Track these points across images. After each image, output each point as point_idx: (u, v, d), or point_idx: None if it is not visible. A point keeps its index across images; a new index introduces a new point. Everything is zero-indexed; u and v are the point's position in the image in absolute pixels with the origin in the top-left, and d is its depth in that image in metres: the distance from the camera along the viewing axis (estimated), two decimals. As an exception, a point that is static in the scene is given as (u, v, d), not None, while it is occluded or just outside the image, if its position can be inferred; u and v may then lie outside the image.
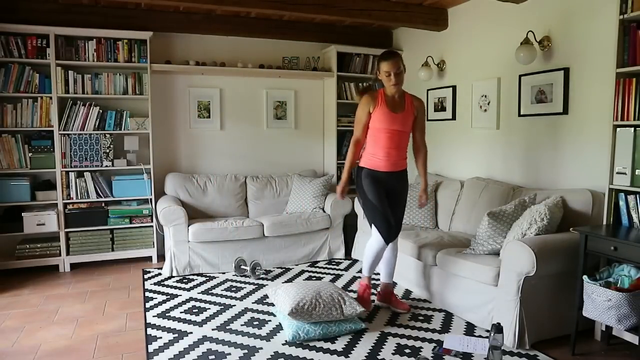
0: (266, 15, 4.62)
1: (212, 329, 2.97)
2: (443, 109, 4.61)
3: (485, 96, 4.04)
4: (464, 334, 2.90)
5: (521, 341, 2.67)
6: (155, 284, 3.83)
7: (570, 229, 2.77)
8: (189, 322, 3.08)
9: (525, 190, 3.49)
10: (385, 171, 3.07)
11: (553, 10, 3.40)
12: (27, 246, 4.09)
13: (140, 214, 4.40)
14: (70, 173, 4.19)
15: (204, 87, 4.84)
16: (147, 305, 3.37)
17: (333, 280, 3.92)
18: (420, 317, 3.15)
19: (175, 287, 3.75)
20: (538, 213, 2.87)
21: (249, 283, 3.87)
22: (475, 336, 2.86)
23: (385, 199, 3.07)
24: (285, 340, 2.80)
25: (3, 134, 4.05)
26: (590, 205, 2.96)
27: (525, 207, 3.11)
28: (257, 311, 3.27)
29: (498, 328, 2.43)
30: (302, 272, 4.20)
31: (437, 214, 4.20)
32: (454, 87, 4.46)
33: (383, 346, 2.74)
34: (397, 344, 2.77)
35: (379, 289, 3.39)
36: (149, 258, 4.50)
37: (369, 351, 2.68)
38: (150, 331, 2.94)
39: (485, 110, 4.05)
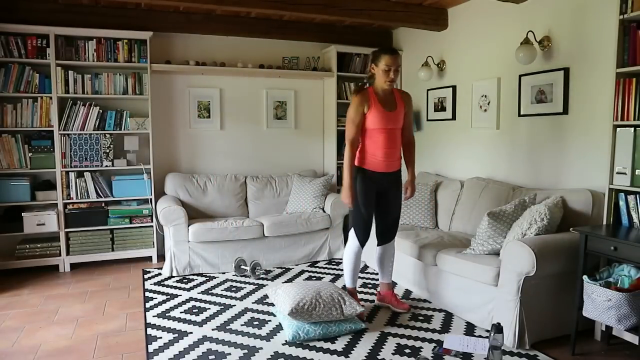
0: (266, 15, 4.63)
1: (212, 329, 2.97)
2: (443, 109, 4.61)
3: (485, 96, 4.04)
4: (464, 334, 2.90)
5: (521, 341, 2.67)
6: (155, 284, 3.83)
7: (570, 229, 2.77)
8: (189, 322, 3.08)
9: (525, 190, 3.49)
10: (382, 172, 3.04)
11: (553, 10, 3.40)
12: (27, 246, 4.09)
13: (140, 214, 4.40)
14: (70, 173, 4.19)
15: (203, 87, 4.84)
16: (147, 305, 3.37)
17: (333, 280, 3.92)
18: (420, 317, 3.15)
19: (175, 287, 3.75)
20: (538, 213, 2.87)
21: (249, 283, 3.87)
22: (475, 336, 2.86)
23: (373, 205, 3.07)
24: (285, 340, 2.80)
25: (3, 134, 4.05)
26: (590, 205, 2.96)
27: (525, 207, 3.11)
28: (257, 311, 3.27)
29: (498, 328, 2.43)
30: (302, 272, 4.20)
31: (437, 214, 4.20)
32: (454, 87, 4.46)
33: (383, 346, 2.74)
34: (397, 344, 2.77)
35: (378, 289, 3.40)
36: (149, 258, 4.50)
37: (369, 351, 2.68)
38: (150, 331, 2.94)
39: (485, 110, 4.05)
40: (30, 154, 4.08)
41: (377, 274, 3.43)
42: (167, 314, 3.21)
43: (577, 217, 2.99)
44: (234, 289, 3.73)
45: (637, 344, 2.53)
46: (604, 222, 2.80)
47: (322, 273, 4.17)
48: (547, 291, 2.75)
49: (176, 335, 2.88)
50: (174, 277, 4.01)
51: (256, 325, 3.03)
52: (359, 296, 3.46)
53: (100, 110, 4.26)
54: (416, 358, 2.60)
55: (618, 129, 2.70)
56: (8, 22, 3.94)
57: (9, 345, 2.77)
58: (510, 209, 3.12)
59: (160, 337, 2.85)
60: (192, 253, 4.07)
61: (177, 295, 3.57)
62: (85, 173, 4.24)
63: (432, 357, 2.62)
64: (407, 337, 2.86)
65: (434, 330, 2.95)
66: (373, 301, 3.42)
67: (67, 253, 4.21)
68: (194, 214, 4.44)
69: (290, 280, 3.95)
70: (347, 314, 2.87)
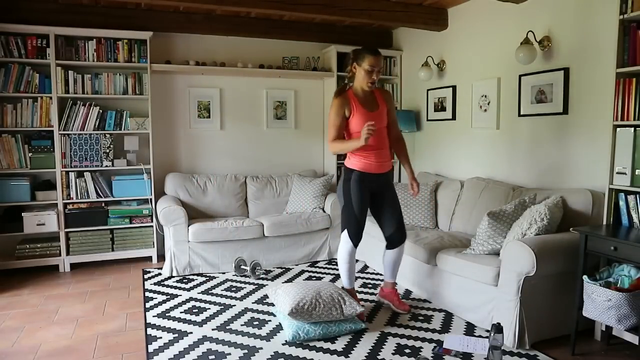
0: (266, 15, 4.63)
1: (212, 329, 2.97)
2: (443, 109, 4.61)
3: (485, 96, 4.04)
4: (464, 334, 2.90)
5: (521, 341, 2.67)
6: (155, 284, 3.83)
7: (570, 229, 2.77)
8: (189, 322, 3.08)
9: (525, 190, 3.49)
10: (375, 173, 3.02)
11: (553, 10, 3.40)
12: (27, 246, 4.09)
13: (140, 214, 4.40)
14: (70, 173, 4.19)
15: (204, 87, 4.84)
16: (147, 305, 3.38)
17: (333, 280, 3.92)
18: (420, 317, 3.15)
19: (175, 287, 3.75)
20: (538, 213, 2.87)
21: (249, 283, 3.87)
22: (475, 336, 2.86)
23: (366, 209, 3.06)
24: (285, 340, 2.80)
25: (3, 134, 4.05)
26: (590, 205, 2.96)
27: (525, 207, 3.11)
28: (257, 311, 3.27)
29: (498, 328, 2.43)
30: (302, 272, 4.20)
31: (437, 214, 4.20)
32: (454, 87, 4.46)
33: (383, 346, 2.74)
34: (397, 344, 2.77)
35: (381, 286, 3.40)
36: (149, 258, 4.50)
37: (369, 351, 2.68)
38: (150, 331, 2.94)
39: (486, 110, 4.05)
40: (30, 154, 4.08)
41: (377, 274, 3.43)
42: (167, 314, 3.21)
43: (577, 217, 2.99)
44: (234, 289, 3.73)
45: (637, 344, 2.53)
46: (604, 222, 2.80)
47: (322, 273, 4.17)
48: (547, 291, 2.75)
49: (176, 335, 2.88)
50: (174, 277, 4.01)
51: (256, 325, 3.03)
52: (359, 296, 3.46)
53: (100, 110, 4.26)
54: (416, 358, 2.60)
55: (618, 129, 2.70)
56: (8, 22, 3.93)
57: (9, 345, 2.78)
58: (510, 209, 3.12)
59: (160, 337, 2.85)
60: (192, 253, 4.07)
61: (177, 295, 3.57)
62: (85, 173, 4.24)
63: (432, 357, 2.61)
64: (407, 337, 2.86)
65: (434, 330, 2.95)
66: (373, 301, 3.42)
67: (67, 253, 4.21)
68: (194, 214, 4.44)
69: (290, 280, 3.95)
70: (347, 314, 2.87)
